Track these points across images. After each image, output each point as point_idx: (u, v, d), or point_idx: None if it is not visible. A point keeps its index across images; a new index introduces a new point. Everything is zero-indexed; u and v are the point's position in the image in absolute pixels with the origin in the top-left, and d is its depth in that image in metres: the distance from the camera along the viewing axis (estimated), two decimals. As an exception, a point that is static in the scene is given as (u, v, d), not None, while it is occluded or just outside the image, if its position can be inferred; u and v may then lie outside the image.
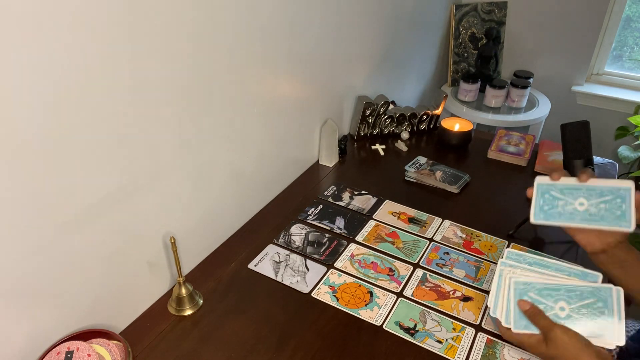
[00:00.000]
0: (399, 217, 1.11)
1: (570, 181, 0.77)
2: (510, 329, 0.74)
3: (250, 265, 0.97)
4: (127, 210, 0.78)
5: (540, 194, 0.78)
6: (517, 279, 0.76)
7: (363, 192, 1.20)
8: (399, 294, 0.91)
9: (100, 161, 0.70)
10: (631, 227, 0.72)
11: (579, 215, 0.75)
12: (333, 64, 1.25)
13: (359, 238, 1.04)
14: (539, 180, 0.79)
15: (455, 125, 1.41)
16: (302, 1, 1.03)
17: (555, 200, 0.77)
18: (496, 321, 0.77)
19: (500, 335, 0.78)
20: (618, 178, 1.39)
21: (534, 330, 0.73)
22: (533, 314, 0.73)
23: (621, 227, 0.73)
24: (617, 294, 0.72)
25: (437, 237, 1.05)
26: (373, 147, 1.41)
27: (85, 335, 0.76)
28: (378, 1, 1.37)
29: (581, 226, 0.75)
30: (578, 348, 0.68)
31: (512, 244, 1.03)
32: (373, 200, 1.17)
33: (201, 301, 0.89)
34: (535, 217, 0.78)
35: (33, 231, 0.65)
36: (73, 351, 0.71)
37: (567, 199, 0.76)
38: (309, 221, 1.09)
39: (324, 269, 0.96)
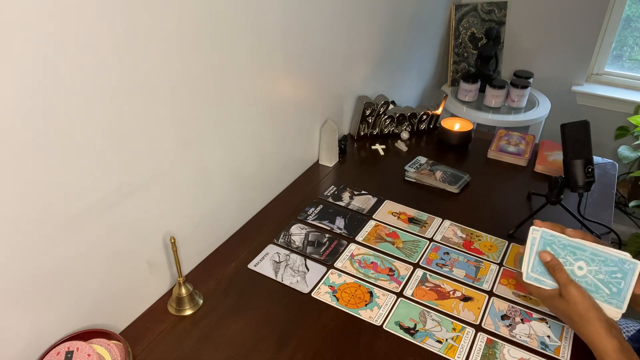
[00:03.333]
0: (399, 217, 1.11)
1: (574, 240, 0.76)
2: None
3: (250, 265, 0.97)
4: (127, 210, 0.78)
5: (541, 245, 0.78)
6: (546, 231, 0.77)
7: (363, 192, 1.20)
8: (399, 294, 0.91)
9: (100, 161, 0.70)
10: (622, 309, 0.73)
11: (574, 280, 0.75)
12: (333, 64, 1.25)
13: (359, 238, 1.04)
14: (542, 233, 0.77)
15: (455, 125, 1.41)
16: (302, 1, 1.03)
17: (555, 255, 0.77)
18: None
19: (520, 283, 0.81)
20: (618, 177, 1.39)
21: (543, 285, 0.77)
22: (553, 266, 0.76)
23: (612, 306, 0.73)
24: (638, 271, 0.72)
25: (437, 237, 1.05)
26: (373, 147, 1.41)
27: (85, 335, 0.76)
28: (378, 1, 1.37)
29: None
30: (587, 308, 0.71)
31: (512, 244, 1.04)
32: (373, 200, 1.17)
33: (201, 301, 0.89)
34: (530, 274, 0.78)
35: (33, 231, 0.64)
36: (73, 351, 0.71)
37: (567, 257, 0.76)
38: (309, 221, 1.09)
39: (324, 269, 0.96)
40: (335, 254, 1.00)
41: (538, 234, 0.78)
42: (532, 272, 0.78)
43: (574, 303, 0.72)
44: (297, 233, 1.06)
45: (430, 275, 0.95)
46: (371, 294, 0.91)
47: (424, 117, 1.46)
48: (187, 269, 0.96)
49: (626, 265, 0.73)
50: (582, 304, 0.72)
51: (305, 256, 0.99)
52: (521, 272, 0.79)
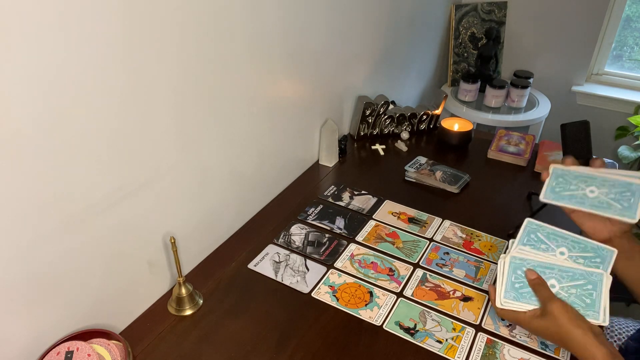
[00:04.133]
0: (399, 217, 1.11)
1: (585, 169, 0.81)
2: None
3: (250, 265, 0.97)
4: (127, 210, 0.78)
5: (554, 176, 0.82)
6: (514, 254, 0.80)
7: (363, 192, 1.20)
8: (399, 294, 0.91)
9: (100, 161, 0.70)
10: (599, 320, 0.74)
11: (587, 201, 0.79)
12: (333, 64, 1.25)
13: (359, 238, 1.04)
14: (555, 165, 0.83)
15: (455, 125, 1.41)
16: (302, 1, 1.03)
17: (567, 184, 0.81)
18: (492, 302, 0.80)
19: (497, 313, 0.81)
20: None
21: (519, 307, 0.77)
22: (537, 284, 0.77)
23: (625, 218, 0.76)
24: (606, 279, 0.76)
25: (437, 237, 1.05)
26: (373, 147, 1.41)
27: (85, 335, 0.76)
28: (378, 1, 1.37)
29: (587, 211, 0.79)
30: (572, 321, 0.72)
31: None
32: (373, 200, 1.17)
33: (201, 301, 0.89)
34: (545, 196, 0.82)
35: (33, 231, 0.64)
36: (73, 351, 0.71)
37: (579, 185, 0.81)
38: (309, 221, 1.09)
39: (324, 269, 0.96)
40: (335, 254, 1.00)
41: (507, 259, 0.80)
42: (505, 297, 0.78)
43: (560, 318, 0.72)
44: (297, 233, 1.06)
45: (430, 275, 0.95)
46: (371, 294, 0.91)
47: (424, 117, 1.46)
48: (187, 269, 0.96)
49: (593, 276, 0.76)
50: (568, 318, 0.72)
51: (305, 256, 0.99)
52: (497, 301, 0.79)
